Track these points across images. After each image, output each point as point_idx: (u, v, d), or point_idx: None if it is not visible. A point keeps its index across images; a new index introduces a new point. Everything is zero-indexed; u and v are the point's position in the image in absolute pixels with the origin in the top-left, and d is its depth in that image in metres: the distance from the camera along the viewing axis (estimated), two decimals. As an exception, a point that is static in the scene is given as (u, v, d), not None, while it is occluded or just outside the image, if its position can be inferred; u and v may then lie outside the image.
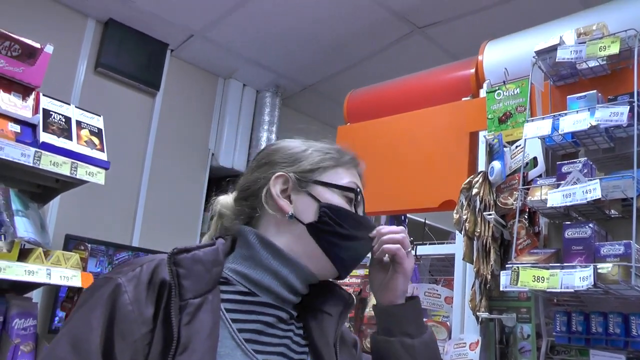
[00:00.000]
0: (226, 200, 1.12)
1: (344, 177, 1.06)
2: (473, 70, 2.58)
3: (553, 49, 1.93)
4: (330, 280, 1.09)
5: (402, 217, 3.06)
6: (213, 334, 0.87)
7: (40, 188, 2.27)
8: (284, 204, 1.02)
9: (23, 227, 1.97)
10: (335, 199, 1.03)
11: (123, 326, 0.83)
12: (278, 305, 0.98)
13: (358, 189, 1.07)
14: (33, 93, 2.10)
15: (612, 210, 1.78)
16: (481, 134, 2.32)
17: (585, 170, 1.72)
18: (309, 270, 1.01)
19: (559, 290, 1.60)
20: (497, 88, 2.28)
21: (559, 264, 1.65)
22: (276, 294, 0.98)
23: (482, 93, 2.41)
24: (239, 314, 0.94)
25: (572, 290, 1.57)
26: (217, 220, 1.12)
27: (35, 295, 2.35)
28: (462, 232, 2.04)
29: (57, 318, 2.94)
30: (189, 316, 0.85)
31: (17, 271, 1.88)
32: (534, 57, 2.01)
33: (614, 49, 1.78)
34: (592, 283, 1.53)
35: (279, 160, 1.06)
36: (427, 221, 3.09)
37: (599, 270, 1.53)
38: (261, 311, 0.96)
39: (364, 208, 1.09)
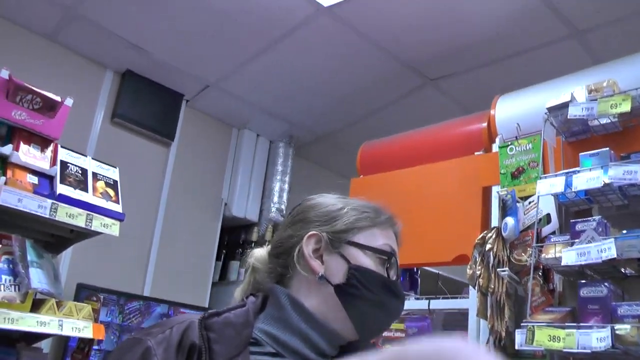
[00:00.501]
0: (261, 253, 1.10)
1: (379, 239, 1.02)
2: (485, 124, 2.60)
3: (564, 105, 1.95)
4: (369, 343, 1.06)
5: (415, 269, 3.04)
6: None
7: (54, 238, 2.29)
8: (315, 264, 0.99)
9: (37, 278, 1.97)
10: (367, 261, 0.99)
11: None
12: None
13: (392, 251, 1.03)
14: (51, 145, 2.14)
15: (627, 269, 1.76)
16: (494, 189, 2.32)
17: (600, 229, 1.71)
18: (336, 333, 0.97)
19: (575, 350, 1.57)
20: (509, 143, 2.29)
21: (575, 324, 1.63)
22: (303, 356, 0.94)
23: (495, 147, 2.42)
24: None
25: (589, 351, 1.55)
26: (250, 274, 1.10)
27: (45, 345, 2.34)
28: (476, 288, 2.03)
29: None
30: None
31: (29, 322, 1.88)
32: (545, 113, 2.03)
33: (626, 107, 1.80)
34: (610, 344, 1.50)
35: (314, 219, 1.03)
36: (440, 272, 3.07)
37: (617, 332, 1.51)
38: None
39: (398, 270, 1.05)
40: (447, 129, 2.90)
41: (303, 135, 4.39)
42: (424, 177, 2.76)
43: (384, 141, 3.18)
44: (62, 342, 2.93)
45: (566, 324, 1.65)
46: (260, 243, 4.06)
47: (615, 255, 1.60)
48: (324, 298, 0.98)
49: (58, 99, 2.10)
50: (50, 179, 2.09)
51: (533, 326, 1.68)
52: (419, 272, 3.06)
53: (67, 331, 2.01)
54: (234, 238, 4.23)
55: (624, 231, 1.72)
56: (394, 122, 3.46)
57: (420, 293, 2.95)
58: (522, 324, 1.75)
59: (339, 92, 3.76)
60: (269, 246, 1.10)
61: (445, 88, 3.54)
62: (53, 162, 2.12)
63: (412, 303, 2.63)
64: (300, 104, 3.95)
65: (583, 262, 1.66)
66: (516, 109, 2.46)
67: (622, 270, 1.75)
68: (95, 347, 2.95)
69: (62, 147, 2.18)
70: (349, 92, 3.73)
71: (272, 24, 3.10)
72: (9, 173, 1.96)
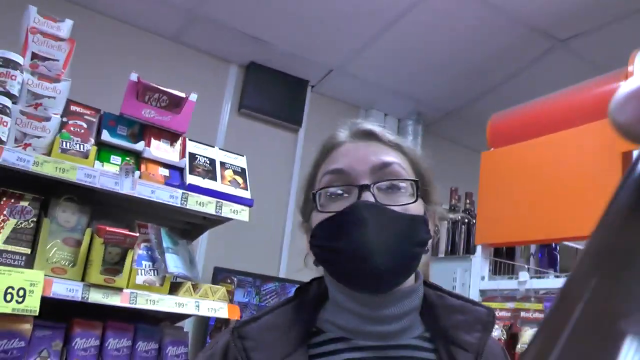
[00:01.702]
0: None
1: (322, 180, 0.88)
2: (623, 83, 2.37)
3: None
4: (464, 298, 0.92)
5: (553, 245, 2.87)
6: None
7: (189, 225, 2.44)
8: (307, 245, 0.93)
9: (173, 263, 2.12)
10: (317, 216, 0.86)
11: None
12: (372, 344, 0.84)
13: (331, 173, 0.87)
14: (180, 139, 2.28)
15: None
16: (635, 153, 2.12)
17: None
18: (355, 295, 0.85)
19: None
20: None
21: None
22: (353, 330, 0.85)
23: (634, 108, 2.21)
24: None
25: None
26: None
27: (187, 324, 2.51)
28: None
29: (207, 344, 3.14)
30: None
31: (168, 303, 2.02)
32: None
33: None
34: None
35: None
36: (580, 247, 2.87)
37: None
38: (359, 357, 0.83)
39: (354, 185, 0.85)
40: (580, 91, 2.69)
41: (431, 112, 4.30)
42: (558, 145, 2.58)
43: (514, 111, 3.01)
44: (203, 322, 3.14)
45: None
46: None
47: None
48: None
49: (183, 95, 2.22)
50: (180, 170, 2.22)
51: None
52: (558, 247, 2.88)
53: (203, 312, 2.14)
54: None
55: None
56: (524, 91, 3.27)
57: (560, 270, 2.78)
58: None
59: (464, 65, 3.63)
60: None
61: (576, 48, 3.28)
62: (182, 155, 2.25)
63: (552, 281, 2.49)
64: (425, 81, 3.87)
65: None
66: (657, 62, 2.22)
67: None
68: (232, 327, 3.15)
69: (190, 140, 2.31)
70: (474, 64, 3.59)
71: (389, 3, 3.06)
72: (143, 167, 2.11)
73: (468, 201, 3.43)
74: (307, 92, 3.93)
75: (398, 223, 0.81)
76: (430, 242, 0.88)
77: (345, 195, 0.84)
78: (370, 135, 0.90)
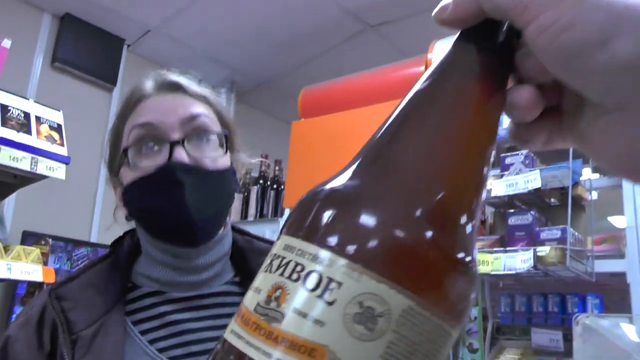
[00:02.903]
0: None
1: (129, 137, 0.86)
2: (423, 68, 2.70)
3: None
4: (270, 242, 0.94)
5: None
6: (115, 356, 0.79)
7: (-4, 184, 2.27)
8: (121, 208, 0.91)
9: (-18, 222, 1.98)
10: (129, 174, 0.85)
11: None
12: (184, 295, 0.87)
13: (132, 141, 0.85)
14: (-10, 88, 2.10)
15: (551, 199, 1.92)
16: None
17: (527, 161, 1.85)
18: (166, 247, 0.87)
19: (502, 272, 1.72)
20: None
21: (502, 248, 1.78)
22: (164, 281, 0.87)
23: (432, 90, 2.53)
24: (150, 322, 0.85)
25: (514, 272, 1.70)
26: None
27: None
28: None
29: (14, 315, 2.93)
30: (83, 349, 0.77)
31: (-23, 266, 1.89)
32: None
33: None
34: (533, 265, 1.66)
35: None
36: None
37: (539, 253, 1.67)
38: (171, 310, 0.85)
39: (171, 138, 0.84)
40: (386, 72, 2.99)
41: (245, 81, 4.39)
42: (363, 119, 2.85)
43: (325, 85, 3.24)
44: (10, 289, 2.94)
45: (494, 249, 1.80)
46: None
47: (540, 186, 1.74)
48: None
49: (-5, 40, 2.06)
50: (-9, 122, 2.06)
51: (465, 252, 1.82)
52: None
53: (16, 275, 2.02)
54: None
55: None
56: (335, 68, 3.51)
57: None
58: (455, 251, 1.90)
59: (279, 38, 3.77)
60: None
61: (385, 34, 3.61)
62: (-7, 106, 2.08)
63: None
64: (241, 50, 3.95)
65: (511, 193, 1.80)
66: (452, 52, 2.56)
67: (547, 200, 1.91)
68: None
69: (2, 90, 2.14)
70: (290, 37, 3.75)
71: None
72: (-53, 117, 1.93)
73: (277, 168, 3.62)
74: (123, 51, 3.79)
75: (210, 180, 0.84)
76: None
77: (156, 149, 0.83)
78: (176, 87, 0.90)
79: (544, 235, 1.72)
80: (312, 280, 0.29)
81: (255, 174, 3.93)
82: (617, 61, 0.31)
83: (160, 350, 0.81)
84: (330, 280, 0.29)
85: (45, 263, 2.19)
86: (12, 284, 2.87)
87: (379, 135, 0.36)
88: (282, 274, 0.31)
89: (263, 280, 0.32)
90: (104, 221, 3.54)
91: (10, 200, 2.92)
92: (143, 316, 0.85)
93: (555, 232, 1.69)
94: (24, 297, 2.29)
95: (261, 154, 3.87)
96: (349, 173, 0.34)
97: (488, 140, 0.35)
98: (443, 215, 0.32)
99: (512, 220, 1.84)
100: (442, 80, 0.36)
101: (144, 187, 0.82)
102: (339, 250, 0.30)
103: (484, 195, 0.36)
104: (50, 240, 2.23)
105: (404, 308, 0.29)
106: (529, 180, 1.76)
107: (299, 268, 0.30)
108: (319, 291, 0.29)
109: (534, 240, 1.75)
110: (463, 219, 0.33)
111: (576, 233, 1.74)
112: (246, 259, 0.92)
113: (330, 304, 0.29)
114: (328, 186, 0.34)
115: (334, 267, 0.29)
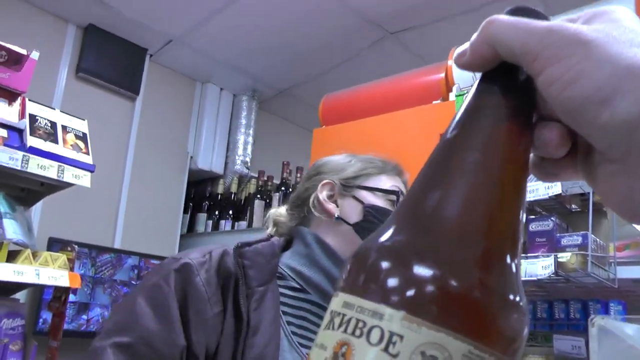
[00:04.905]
0: (279, 211, 1.21)
1: (387, 183, 1.13)
2: (443, 75, 2.70)
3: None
4: None
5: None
6: (276, 320, 0.96)
7: (24, 191, 2.32)
8: (330, 207, 1.10)
9: (12, 229, 2.02)
10: (379, 201, 1.10)
11: (197, 305, 0.91)
12: (325, 305, 1.02)
13: (400, 192, 1.13)
14: (19, 98, 2.15)
15: (572, 205, 1.91)
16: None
17: (547, 168, 1.84)
18: None
19: (523, 278, 1.72)
20: (465, 92, 2.40)
21: (523, 254, 1.78)
22: (325, 292, 1.03)
23: (452, 97, 2.53)
24: (289, 308, 1.01)
25: (535, 278, 1.70)
26: (272, 227, 1.19)
27: (20, 297, 2.40)
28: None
29: (41, 319, 2.98)
30: (257, 303, 0.94)
31: (6, 272, 1.92)
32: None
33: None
34: (553, 271, 1.65)
35: (326, 171, 1.16)
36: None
37: (559, 259, 1.66)
38: (309, 309, 1.03)
39: None
40: (407, 79, 3.00)
41: (266, 89, 4.42)
42: (384, 126, 2.86)
43: (346, 92, 3.25)
44: (37, 294, 2.99)
45: (515, 255, 1.79)
46: (226, 195, 4.14)
47: (560, 192, 1.74)
48: (343, 236, 1.07)
49: (24, 52, 2.11)
50: (20, 132, 2.11)
51: (486, 258, 1.82)
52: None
53: (43, 280, 2.06)
54: (201, 190, 4.29)
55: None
56: (356, 76, 3.53)
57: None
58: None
59: (300, 47, 3.80)
60: (287, 204, 1.21)
61: (405, 41, 3.62)
62: (22, 116, 2.13)
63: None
64: (262, 58, 3.98)
65: (532, 199, 1.80)
66: (472, 59, 2.56)
67: (567, 206, 1.90)
68: (71, 299, 3.02)
69: (30, 100, 2.19)
70: (310, 46, 3.77)
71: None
72: (-22, 126, 1.98)
73: (299, 175, 3.65)
74: (145, 61, 3.84)
75: None
76: None
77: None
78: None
79: (564, 241, 1.71)
80: (375, 336, 0.31)
81: (277, 181, 3.97)
82: (616, 119, 0.32)
83: (293, 334, 0.99)
84: (392, 334, 0.30)
85: (71, 269, 2.23)
86: (39, 289, 2.93)
87: (419, 186, 0.37)
88: (345, 331, 0.32)
89: (327, 337, 0.33)
90: (127, 228, 3.60)
91: (37, 207, 2.98)
92: (287, 301, 1.02)
93: (576, 238, 1.68)
94: (51, 302, 2.33)
95: (283, 161, 3.91)
96: (396, 227, 0.36)
97: (523, 179, 0.37)
98: (491, 260, 0.33)
99: (532, 227, 1.83)
100: (471, 126, 0.38)
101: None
102: (396, 304, 0.31)
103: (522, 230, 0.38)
104: (76, 246, 2.27)
105: (463, 352, 0.30)
106: (549, 186, 1.76)
107: (360, 324, 0.32)
108: (382, 345, 0.30)
109: (554, 247, 1.74)
110: (509, 260, 0.34)
111: (598, 239, 1.73)
112: None
113: (394, 356, 0.30)
114: (379, 241, 0.35)
115: (394, 321, 0.31)
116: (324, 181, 1.13)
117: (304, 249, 1.07)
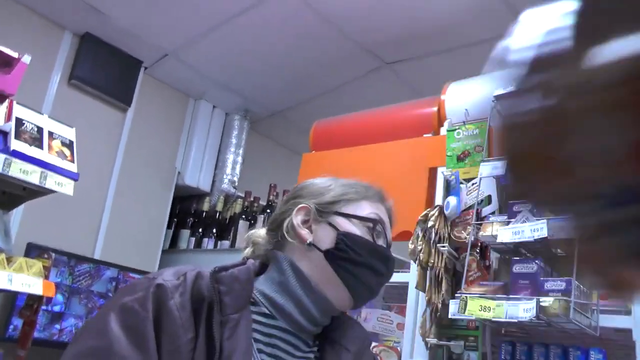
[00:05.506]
0: (259, 232, 1.19)
1: (366, 209, 1.11)
2: (436, 109, 2.70)
3: (511, 94, 2.06)
4: (353, 318, 1.16)
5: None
6: (248, 350, 0.94)
7: (5, 195, 2.28)
8: (303, 232, 1.07)
9: (-13, 233, 1.98)
10: (354, 228, 1.07)
11: (170, 329, 0.89)
12: (295, 332, 1.03)
13: (379, 219, 1.11)
14: (6, 101, 2.12)
15: (558, 250, 1.90)
16: (440, 170, 2.43)
17: (535, 210, 1.84)
18: (329, 302, 1.05)
19: (503, 320, 1.70)
20: (457, 127, 2.40)
21: (505, 296, 1.76)
22: (295, 321, 1.03)
23: (443, 131, 2.53)
24: (260, 335, 1.00)
25: (516, 320, 1.68)
26: (250, 247, 1.18)
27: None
28: (417, 262, 2.13)
29: (12, 325, 2.91)
30: (230, 331, 0.92)
31: (-23, 276, 1.89)
32: (493, 101, 2.14)
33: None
34: (535, 315, 1.63)
35: (304, 195, 1.13)
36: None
37: (542, 304, 1.64)
38: (279, 336, 1.02)
39: (388, 241, 1.13)
40: (399, 110, 3.00)
41: (258, 110, 4.42)
42: (374, 155, 2.85)
43: (338, 119, 3.25)
44: (10, 299, 2.92)
45: (497, 295, 1.78)
46: (211, 213, 4.10)
47: (546, 235, 1.73)
48: (315, 264, 1.06)
49: (15, 55, 2.08)
50: (4, 134, 2.07)
51: (466, 297, 1.80)
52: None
53: (16, 287, 2.02)
54: (186, 207, 4.24)
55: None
56: (349, 102, 3.54)
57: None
58: (456, 295, 1.88)
59: (293, 70, 3.81)
60: (267, 225, 1.19)
61: (399, 72, 3.64)
62: (8, 118, 2.10)
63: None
64: (256, 79, 3.99)
65: (517, 240, 1.79)
66: (466, 95, 2.57)
67: (553, 249, 1.89)
68: (44, 307, 2.96)
69: (18, 103, 2.16)
70: (303, 70, 3.78)
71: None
72: (-40, 127, 1.94)
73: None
74: (140, 73, 3.82)
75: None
76: None
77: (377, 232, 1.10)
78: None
79: (548, 285, 1.70)
80: None
81: (263, 202, 3.94)
82: None
83: None
84: None
85: (46, 277, 2.19)
86: (12, 295, 2.86)
87: None
88: None
89: None
90: (108, 239, 3.55)
91: (18, 211, 2.93)
92: (259, 328, 1.01)
93: (560, 284, 1.67)
94: (22, 310, 2.28)
95: (270, 183, 3.89)
96: None
97: None
98: None
99: (516, 268, 1.81)
100: None
101: (366, 245, 1.06)
102: None
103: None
104: (53, 254, 2.22)
105: None
106: (535, 229, 1.75)
107: None
108: None
109: (537, 290, 1.72)
110: None
111: (581, 286, 1.72)
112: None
113: None
114: None
115: None
116: (300, 205, 1.11)
117: (277, 276, 1.06)
